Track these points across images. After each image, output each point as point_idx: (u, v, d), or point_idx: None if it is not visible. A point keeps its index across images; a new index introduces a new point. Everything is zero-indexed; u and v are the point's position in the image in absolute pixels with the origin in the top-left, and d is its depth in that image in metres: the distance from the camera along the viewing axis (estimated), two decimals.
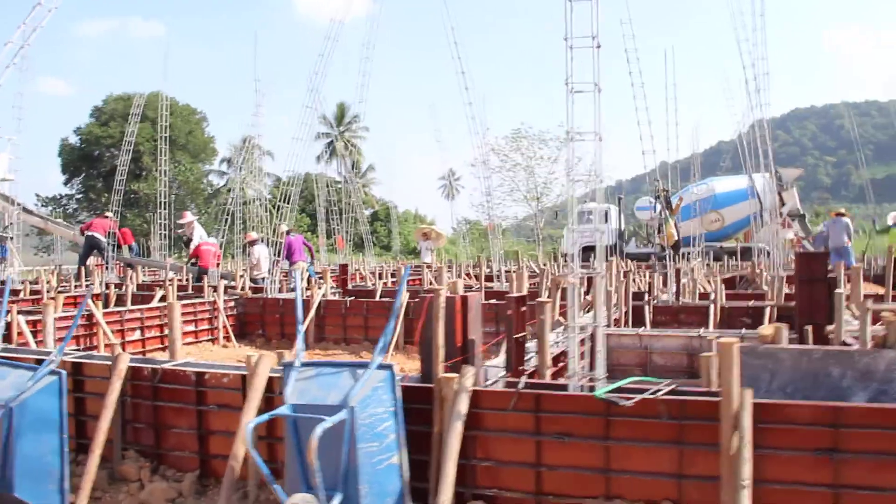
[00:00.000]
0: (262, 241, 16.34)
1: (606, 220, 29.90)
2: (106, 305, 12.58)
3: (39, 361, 5.58)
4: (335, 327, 11.54)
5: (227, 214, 26.33)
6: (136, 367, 5.39)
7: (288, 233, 16.66)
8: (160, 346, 10.53)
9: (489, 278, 18.48)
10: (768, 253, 24.89)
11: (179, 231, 19.06)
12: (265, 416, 4.18)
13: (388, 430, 4.35)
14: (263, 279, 15.08)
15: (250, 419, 4.72)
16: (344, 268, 14.43)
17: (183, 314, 10.97)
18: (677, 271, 11.82)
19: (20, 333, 8.52)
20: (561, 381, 5.55)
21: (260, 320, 11.95)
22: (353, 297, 12.00)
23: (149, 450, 5.37)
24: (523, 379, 4.91)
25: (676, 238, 19.24)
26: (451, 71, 15.64)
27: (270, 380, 4.86)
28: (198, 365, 5.50)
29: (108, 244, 16.63)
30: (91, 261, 17.74)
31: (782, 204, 28.87)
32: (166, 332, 10.60)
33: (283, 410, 4.24)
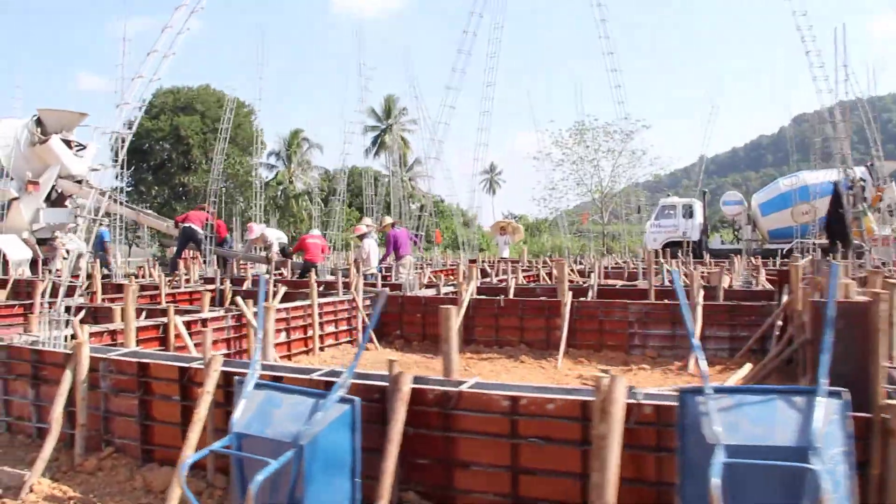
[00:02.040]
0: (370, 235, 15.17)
1: (691, 216, 28.46)
2: (221, 303, 11.50)
3: (277, 379, 4.43)
4: (486, 328, 10.30)
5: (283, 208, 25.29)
6: (418, 390, 4.18)
7: (392, 225, 15.54)
8: (304, 349, 9.39)
9: (609, 275, 17.08)
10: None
11: (251, 242, 17.87)
12: (719, 466, 2.93)
13: (843, 476, 3.13)
14: (373, 275, 13.91)
15: (611, 457, 3.51)
16: (473, 264, 13.18)
17: (324, 313, 9.86)
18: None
19: (177, 336, 7.36)
20: None
21: (398, 320, 10.73)
22: (505, 297, 10.75)
23: (436, 491, 4.17)
24: None
25: (876, 233, 17.76)
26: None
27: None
28: (504, 387, 4.27)
29: (206, 237, 15.56)
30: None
31: (879, 198, 27.31)
32: (310, 332, 9.51)
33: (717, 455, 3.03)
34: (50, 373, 5.46)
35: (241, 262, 17.00)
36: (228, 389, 4.63)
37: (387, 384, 4.14)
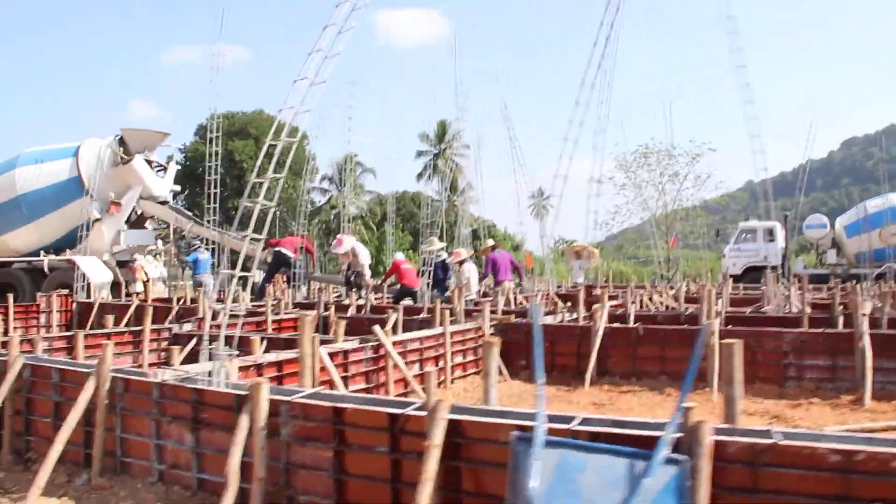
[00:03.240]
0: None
1: (772, 239, 27.29)
2: (325, 330, 10.75)
3: (521, 428, 3.58)
4: (622, 359, 9.40)
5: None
6: (716, 442, 3.32)
7: (493, 248, 14.76)
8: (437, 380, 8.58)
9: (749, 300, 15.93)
10: None
11: (340, 257, 16.67)
12: None
13: None
14: (473, 301, 13.09)
15: None
16: (589, 290, 12.31)
17: (452, 343, 9.05)
18: None
19: (323, 369, 6.57)
20: None
21: (524, 350, 9.87)
22: (641, 324, 9.87)
23: None
24: None
25: None
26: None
27: None
28: (826, 438, 3.39)
29: (298, 262, 14.85)
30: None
31: None
32: (441, 363, 8.72)
33: None
34: (213, 416, 4.69)
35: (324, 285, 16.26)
36: (452, 441, 3.82)
37: (675, 434, 3.30)
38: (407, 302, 13.73)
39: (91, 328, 12.72)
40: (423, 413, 3.87)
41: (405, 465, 3.99)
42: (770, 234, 27.41)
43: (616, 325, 9.90)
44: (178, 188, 19.68)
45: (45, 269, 17.04)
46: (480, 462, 3.80)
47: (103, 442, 5.09)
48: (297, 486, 4.35)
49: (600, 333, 9.30)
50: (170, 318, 11.95)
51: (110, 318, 8.90)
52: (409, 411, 4.04)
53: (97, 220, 17.09)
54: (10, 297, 12.69)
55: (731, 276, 25.54)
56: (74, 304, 13.92)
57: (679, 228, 39.38)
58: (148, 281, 16.96)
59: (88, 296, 15.09)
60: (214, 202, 13.65)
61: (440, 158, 60.10)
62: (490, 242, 15.47)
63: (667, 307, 15.25)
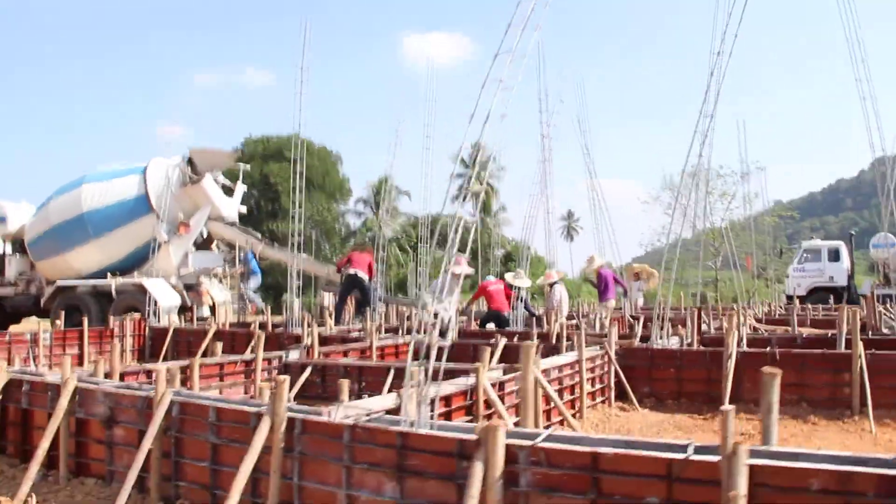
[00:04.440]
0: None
1: (837, 259, 26.46)
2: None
3: None
4: (756, 385, 8.66)
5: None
6: None
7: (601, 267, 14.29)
8: (569, 411, 7.93)
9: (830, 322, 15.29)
10: None
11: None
12: None
13: None
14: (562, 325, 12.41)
15: None
16: (699, 312, 11.59)
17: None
18: None
19: (486, 402, 5.94)
20: None
21: (647, 376, 9.24)
22: (779, 348, 9.20)
23: None
24: None
25: None
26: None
27: None
28: None
29: (371, 282, 14.21)
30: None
31: None
32: (576, 393, 8.08)
33: None
34: (424, 463, 4.04)
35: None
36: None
37: None
38: (492, 326, 13.11)
39: (165, 354, 12.21)
40: (712, 458, 3.27)
41: None
42: (835, 254, 26.61)
43: (747, 349, 9.25)
44: (244, 209, 19.18)
45: (112, 292, 16.57)
46: None
47: (279, 491, 4.48)
48: None
49: (733, 358, 8.64)
50: (251, 345, 11.42)
51: (218, 346, 8.30)
52: (693, 456, 3.42)
53: (164, 241, 16.60)
54: (85, 320, 12.22)
55: (797, 297, 24.77)
56: (147, 329, 13.38)
57: (726, 248, 38.65)
58: (214, 304, 16.45)
59: (158, 320, 14.58)
60: (299, 222, 13.17)
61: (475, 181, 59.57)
62: (599, 260, 14.93)
63: (758, 330, 14.57)
